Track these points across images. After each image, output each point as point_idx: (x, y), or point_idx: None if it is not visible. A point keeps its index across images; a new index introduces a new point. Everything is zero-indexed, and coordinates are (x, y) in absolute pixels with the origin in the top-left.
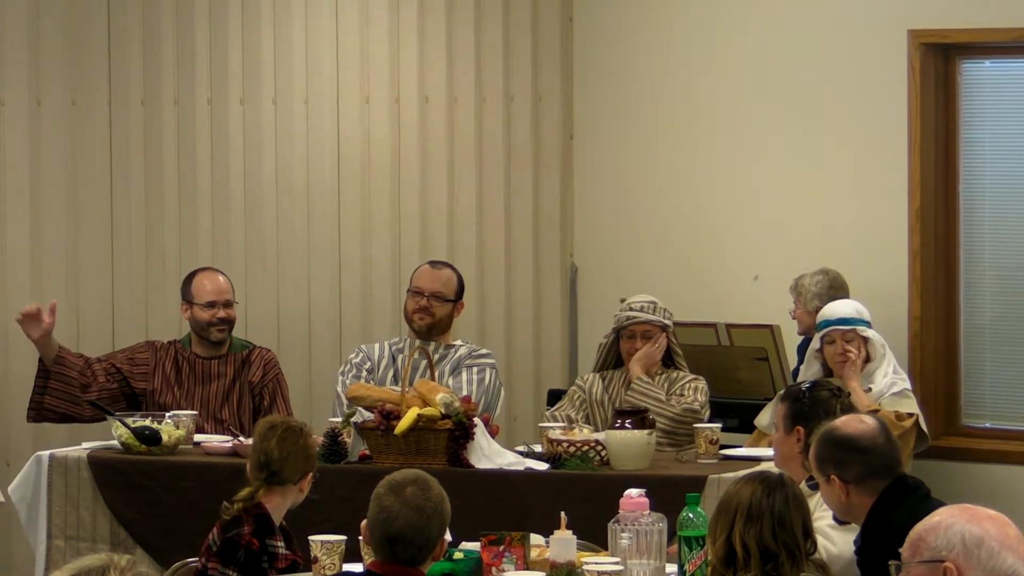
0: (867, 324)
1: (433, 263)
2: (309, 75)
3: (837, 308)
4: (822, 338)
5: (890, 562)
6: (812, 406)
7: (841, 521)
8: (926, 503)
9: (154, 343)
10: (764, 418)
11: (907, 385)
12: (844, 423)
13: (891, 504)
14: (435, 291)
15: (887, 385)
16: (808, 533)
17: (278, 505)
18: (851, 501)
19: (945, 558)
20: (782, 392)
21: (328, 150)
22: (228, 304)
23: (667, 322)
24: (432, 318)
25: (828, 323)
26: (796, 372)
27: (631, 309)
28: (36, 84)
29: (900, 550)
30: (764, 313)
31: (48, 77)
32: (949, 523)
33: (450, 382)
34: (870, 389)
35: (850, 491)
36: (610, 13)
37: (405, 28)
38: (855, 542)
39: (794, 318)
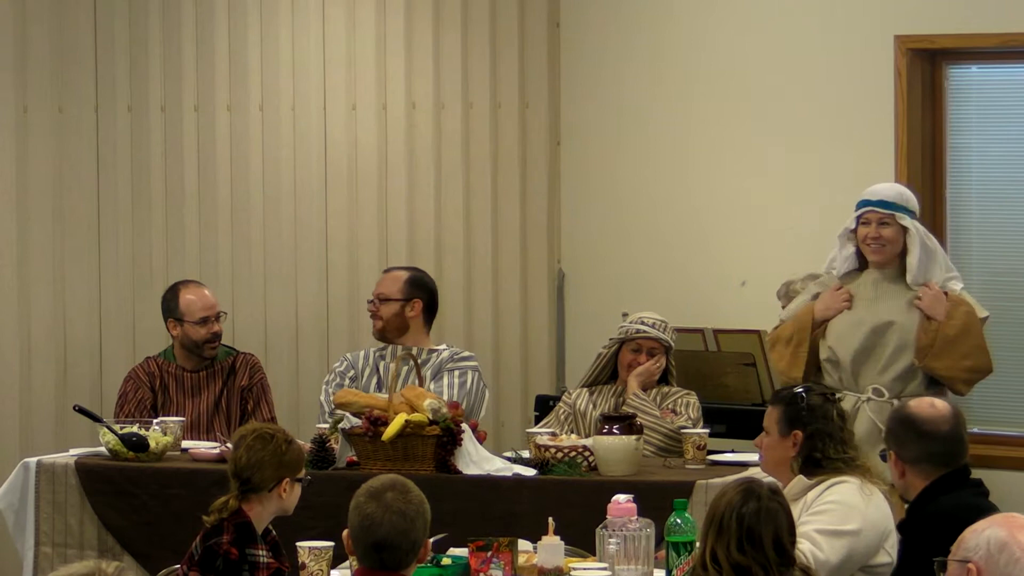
0: (911, 213)
1: (388, 269)
2: (296, 81)
3: (879, 188)
4: (857, 217)
5: (935, 559)
6: (810, 410)
7: (836, 533)
8: (977, 500)
9: (135, 374)
10: None
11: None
12: (917, 404)
13: (941, 491)
14: (378, 293)
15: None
16: (782, 548)
17: (259, 513)
18: (906, 480)
19: (970, 559)
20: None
21: (315, 156)
22: (218, 317)
23: (672, 343)
24: (381, 320)
25: (867, 203)
26: None
27: (643, 323)
28: (23, 91)
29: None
30: (752, 318)
31: (35, 84)
32: (985, 527)
33: (431, 386)
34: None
35: (905, 470)
36: (596, 18)
37: (392, 34)
38: (902, 519)
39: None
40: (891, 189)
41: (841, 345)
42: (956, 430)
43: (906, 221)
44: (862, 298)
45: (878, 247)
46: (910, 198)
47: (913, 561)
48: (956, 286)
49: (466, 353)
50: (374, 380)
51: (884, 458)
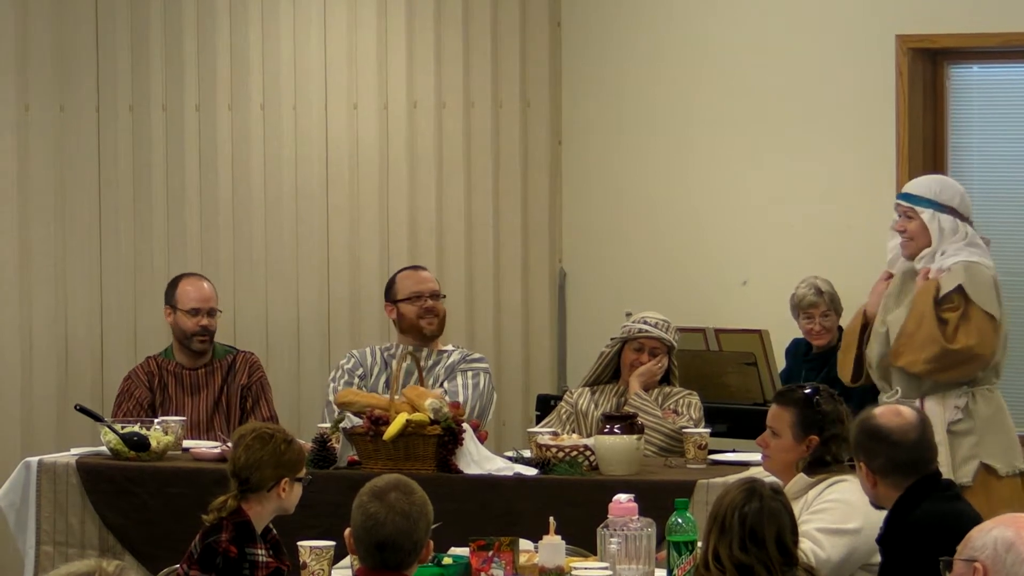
0: (936, 205)
1: (415, 267)
2: (297, 80)
3: (914, 180)
4: (895, 208)
5: (941, 558)
6: (825, 415)
7: (837, 531)
8: (955, 503)
9: (134, 373)
10: None
11: (978, 259)
12: (881, 413)
13: (916, 499)
14: (436, 290)
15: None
16: (785, 548)
17: (258, 513)
18: (878, 491)
19: (977, 558)
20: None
21: (316, 155)
22: (211, 313)
23: (675, 344)
24: (439, 317)
25: (898, 195)
26: (784, 376)
27: (645, 323)
28: (24, 90)
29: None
30: (753, 318)
31: (36, 83)
32: (992, 526)
33: (445, 386)
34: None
35: (876, 481)
36: (598, 18)
37: (393, 33)
38: (880, 532)
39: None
40: (919, 181)
41: (869, 353)
42: (924, 436)
43: (925, 215)
44: (889, 295)
45: (905, 240)
46: (941, 191)
47: (898, 572)
48: (946, 262)
49: (477, 355)
50: (384, 378)
51: (852, 467)
